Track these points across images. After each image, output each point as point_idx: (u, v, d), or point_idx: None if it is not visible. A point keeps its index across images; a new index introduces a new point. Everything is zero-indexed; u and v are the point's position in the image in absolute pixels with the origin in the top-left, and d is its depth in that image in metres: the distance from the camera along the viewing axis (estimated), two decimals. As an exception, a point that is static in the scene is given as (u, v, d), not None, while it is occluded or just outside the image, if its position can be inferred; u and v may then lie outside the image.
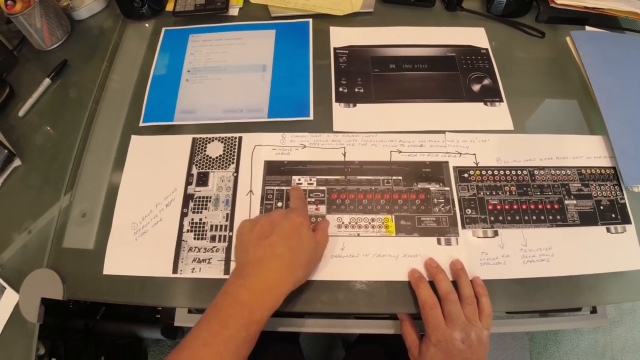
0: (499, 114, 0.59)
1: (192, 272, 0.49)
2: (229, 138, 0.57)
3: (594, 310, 0.61)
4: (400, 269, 0.49)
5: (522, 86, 0.62)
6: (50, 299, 0.49)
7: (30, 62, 0.69)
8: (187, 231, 0.51)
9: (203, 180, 0.54)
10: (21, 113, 0.62)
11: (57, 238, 0.52)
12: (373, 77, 0.63)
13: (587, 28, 0.68)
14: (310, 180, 0.54)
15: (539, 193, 0.53)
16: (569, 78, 0.63)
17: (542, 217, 0.51)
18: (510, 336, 1.18)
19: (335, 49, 0.65)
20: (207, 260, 0.49)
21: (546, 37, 0.67)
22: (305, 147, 0.56)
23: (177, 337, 1.08)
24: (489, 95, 0.61)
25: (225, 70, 0.64)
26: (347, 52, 0.65)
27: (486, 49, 0.65)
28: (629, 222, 0.52)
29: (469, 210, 0.52)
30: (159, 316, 1.11)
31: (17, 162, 0.58)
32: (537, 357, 1.18)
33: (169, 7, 0.71)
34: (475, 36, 0.67)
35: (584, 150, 0.56)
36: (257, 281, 0.41)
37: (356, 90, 0.61)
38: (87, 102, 0.63)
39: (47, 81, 0.64)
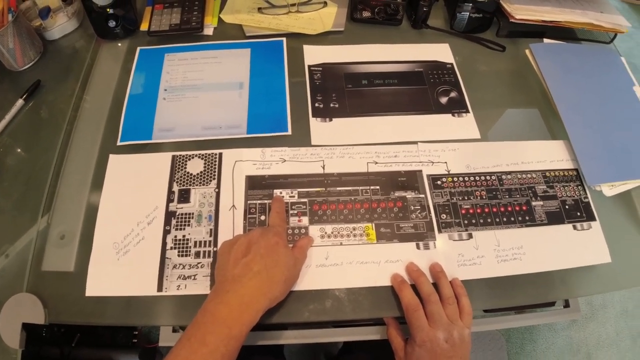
0: (466, 124, 0.63)
1: (178, 289, 0.49)
2: (209, 155, 0.58)
3: (567, 305, 0.65)
4: (383, 274, 0.50)
5: (487, 97, 0.66)
6: (28, 325, 0.48)
7: (1, 83, 0.68)
8: (171, 248, 0.51)
9: (184, 197, 0.55)
10: (-7, 136, 0.61)
11: (36, 261, 0.51)
12: (347, 93, 0.65)
13: (545, 40, 0.72)
14: (292, 193, 0.55)
15: (507, 196, 0.56)
16: (530, 88, 0.67)
17: (512, 219, 0.54)
18: (488, 337, 1.21)
19: (309, 66, 0.68)
20: (193, 277, 0.50)
21: (507, 50, 0.71)
22: (285, 161, 0.58)
23: (156, 360, 1.05)
24: (456, 107, 0.64)
25: (203, 88, 0.65)
26: (321, 69, 0.68)
27: (451, 64, 0.69)
28: (593, 219, 0.55)
29: (444, 215, 0.54)
30: (136, 340, 1.08)
31: (-11, 186, 0.57)
32: (514, 357, 1.21)
33: (144, 26, 0.71)
34: (441, 52, 0.71)
35: (547, 155, 0.60)
36: (234, 298, 0.41)
37: (331, 105, 0.63)
38: (62, 122, 0.62)
39: (20, 102, 0.63)
